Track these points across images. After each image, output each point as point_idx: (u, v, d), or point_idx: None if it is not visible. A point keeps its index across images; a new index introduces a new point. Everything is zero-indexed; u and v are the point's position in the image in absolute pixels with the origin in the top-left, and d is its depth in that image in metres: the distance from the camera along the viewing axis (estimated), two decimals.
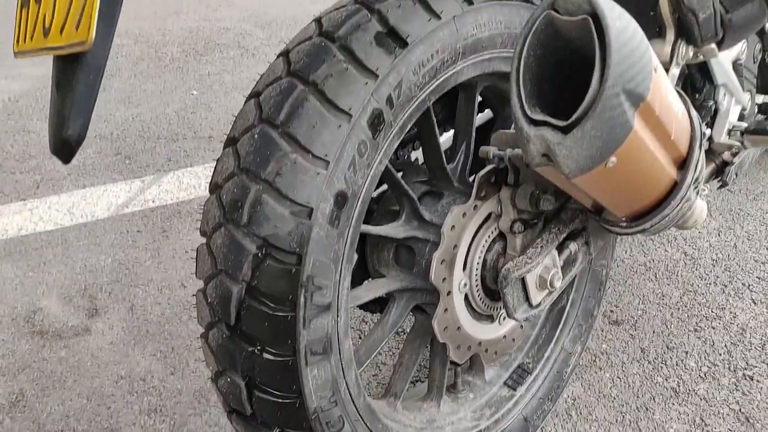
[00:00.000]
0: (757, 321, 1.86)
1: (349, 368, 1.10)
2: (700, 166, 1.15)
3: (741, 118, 1.68)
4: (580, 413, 1.60)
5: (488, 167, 1.20)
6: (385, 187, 1.30)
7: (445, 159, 1.24)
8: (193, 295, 1.08)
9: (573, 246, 1.27)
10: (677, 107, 1.07)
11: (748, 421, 1.57)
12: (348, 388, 1.11)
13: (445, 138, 1.43)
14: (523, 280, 1.19)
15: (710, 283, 2.01)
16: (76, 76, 0.88)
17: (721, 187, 1.70)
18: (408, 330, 1.40)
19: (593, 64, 0.88)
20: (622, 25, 0.88)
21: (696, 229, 2.23)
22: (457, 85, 1.14)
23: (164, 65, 3.65)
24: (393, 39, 1.01)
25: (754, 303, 1.93)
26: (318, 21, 1.03)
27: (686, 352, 1.76)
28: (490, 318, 1.33)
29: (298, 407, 1.04)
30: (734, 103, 1.63)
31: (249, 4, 4.62)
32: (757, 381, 1.67)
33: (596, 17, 0.88)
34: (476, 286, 1.26)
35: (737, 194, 2.44)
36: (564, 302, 1.52)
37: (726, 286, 2.00)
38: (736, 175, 1.67)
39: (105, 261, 2.13)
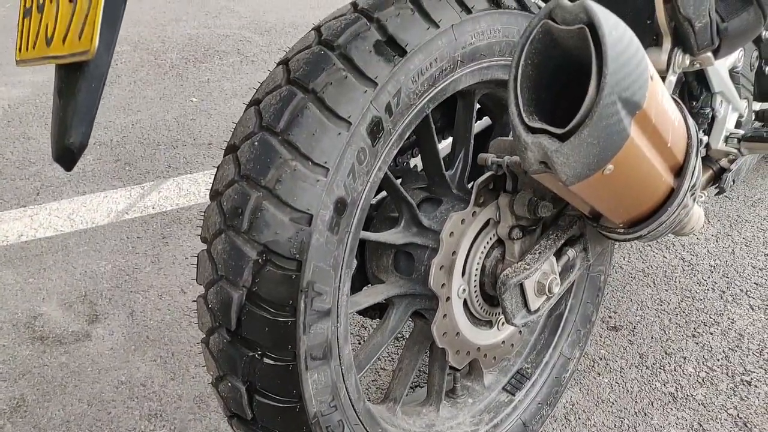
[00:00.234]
0: (754, 327, 1.87)
1: (349, 373, 1.11)
2: (697, 173, 1.16)
3: (738, 125, 1.70)
4: (579, 418, 1.60)
5: (487, 174, 1.21)
6: (384, 193, 1.31)
7: (443, 166, 1.25)
8: (193, 301, 1.08)
9: (571, 252, 1.27)
10: (674, 115, 1.07)
11: (746, 426, 1.57)
12: (348, 393, 1.11)
13: (444, 145, 1.44)
14: (521, 286, 1.20)
15: (708, 289, 2.02)
16: (78, 85, 0.89)
17: (718, 193, 1.71)
18: (407, 335, 1.41)
19: (590, 72, 0.89)
20: (618, 34, 0.89)
21: (694, 236, 2.24)
22: (455, 93, 1.15)
23: (164, 72, 3.66)
24: (392, 47, 1.02)
25: (752, 309, 1.93)
26: (317, 29, 1.04)
27: (684, 358, 1.77)
28: (489, 323, 1.33)
29: (299, 412, 1.05)
30: (731, 111, 1.64)
31: (248, 11, 4.63)
32: (755, 386, 1.68)
33: (593, 27, 0.89)
34: (475, 291, 1.27)
35: (735, 201, 2.45)
36: (562, 308, 1.53)
37: (724, 292, 2.00)
38: (734, 181, 1.68)
39: (105, 267, 2.13)
